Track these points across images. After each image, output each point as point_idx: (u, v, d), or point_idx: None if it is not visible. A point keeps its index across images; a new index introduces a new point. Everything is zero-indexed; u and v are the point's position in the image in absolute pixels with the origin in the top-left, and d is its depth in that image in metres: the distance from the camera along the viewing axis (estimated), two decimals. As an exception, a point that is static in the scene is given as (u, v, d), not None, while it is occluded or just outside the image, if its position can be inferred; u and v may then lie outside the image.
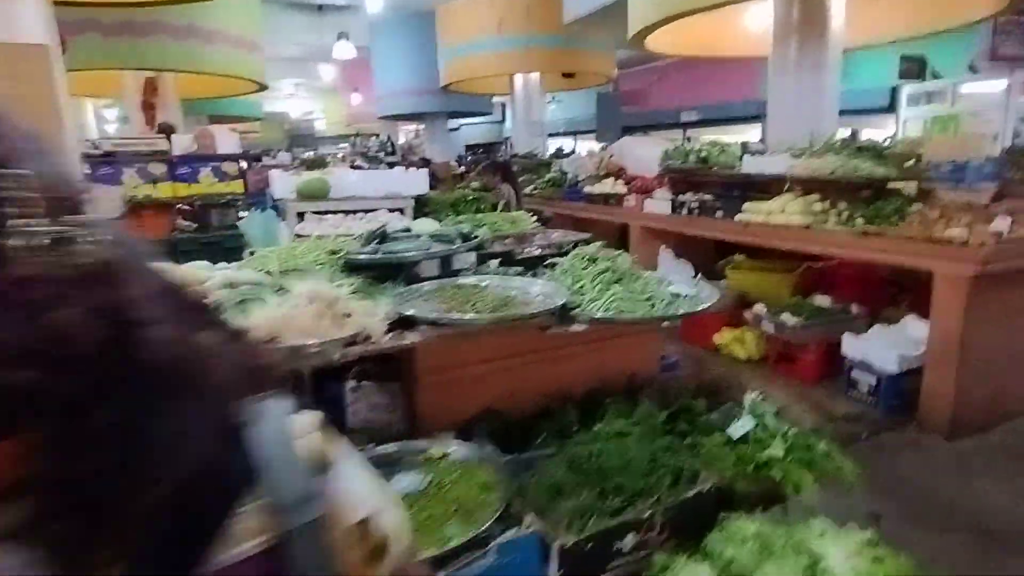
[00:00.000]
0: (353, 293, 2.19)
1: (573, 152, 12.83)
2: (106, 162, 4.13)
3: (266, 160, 11.27)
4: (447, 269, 2.79)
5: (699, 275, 6.47)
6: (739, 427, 2.32)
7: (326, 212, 3.57)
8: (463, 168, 11.06)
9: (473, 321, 2.08)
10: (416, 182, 4.00)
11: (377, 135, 22.31)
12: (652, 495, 1.91)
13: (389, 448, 2.27)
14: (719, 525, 1.85)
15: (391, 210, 3.61)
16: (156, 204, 4.34)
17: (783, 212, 4.81)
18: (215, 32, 8.65)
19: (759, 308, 5.05)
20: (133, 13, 7.68)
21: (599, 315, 2.29)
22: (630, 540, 1.84)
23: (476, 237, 2.88)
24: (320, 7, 14.22)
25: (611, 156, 7.62)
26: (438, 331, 2.09)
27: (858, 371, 4.40)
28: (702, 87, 14.44)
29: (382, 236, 2.90)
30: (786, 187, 4.96)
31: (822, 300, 5.05)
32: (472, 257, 2.85)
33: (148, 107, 8.94)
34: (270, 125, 24.95)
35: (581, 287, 2.48)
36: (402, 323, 2.14)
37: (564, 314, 2.32)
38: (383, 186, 3.90)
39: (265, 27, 9.88)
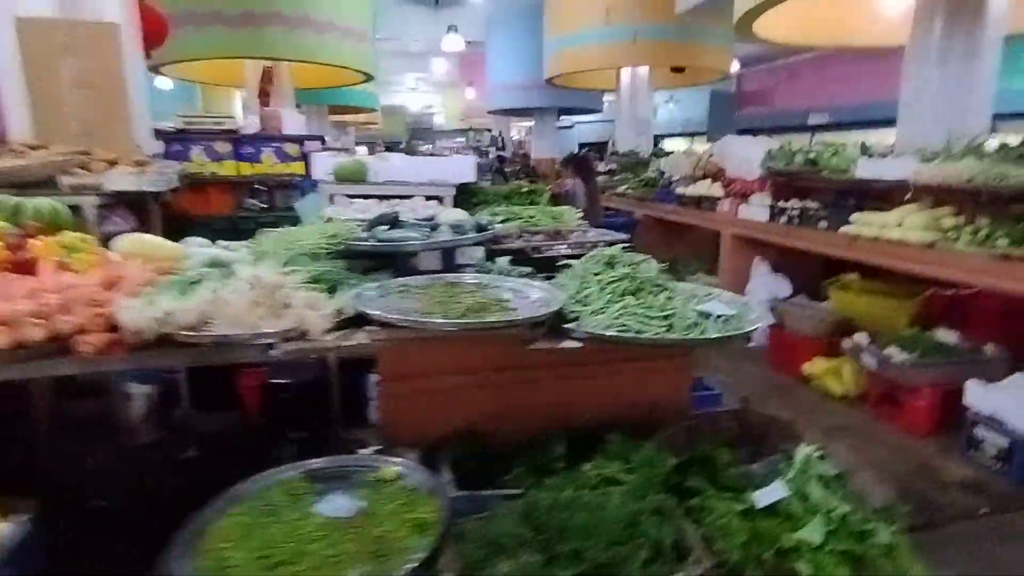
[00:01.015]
0: (315, 282, 1.93)
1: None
2: (177, 139, 4.29)
3: (378, 151, 11.62)
4: (450, 263, 2.48)
5: (800, 293, 5.68)
6: (766, 493, 1.79)
7: (359, 196, 3.39)
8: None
9: (431, 326, 1.75)
10: (461, 170, 3.72)
11: (489, 130, 22.53)
12: (617, 572, 1.47)
13: (342, 461, 1.99)
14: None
15: (429, 198, 3.35)
16: (222, 182, 4.46)
17: (899, 226, 3.98)
18: (327, 23, 8.96)
19: (860, 338, 4.25)
20: (254, 4, 8.13)
21: (598, 332, 1.86)
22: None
23: (490, 230, 2.54)
24: (436, 1, 14.46)
25: (711, 156, 6.90)
26: (394, 333, 1.77)
27: (985, 428, 3.53)
28: (836, 86, 12.96)
29: (393, 222, 2.64)
30: (908, 196, 4.10)
31: (946, 335, 4.14)
32: (479, 252, 2.52)
33: (264, 95, 9.46)
34: (391, 118, 26.04)
35: (587, 296, 2.05)
36: (361, 321, 1.85)
37: (556, 326, 1.92)
38: (424, 173, 3.66)
39: (385, 21, 10.12)
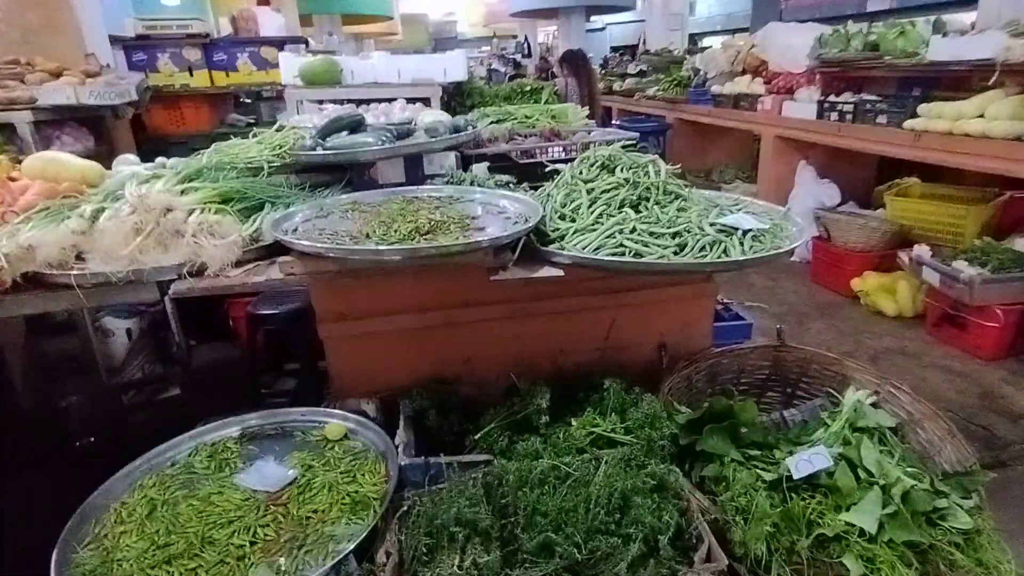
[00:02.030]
0: (225, 202, 1.53)
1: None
2: (139, 47, 3.81)
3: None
4: (415, 173, 2.04)
5: (848, 201, 5.03)
6: (804, 461, 1.38)
7: (330, 101, 2.92)
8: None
9: (362, 254, 1.34)
10: (450, 67, 3.18)
11: (515, 36, 21.05)
12: (595, 570, 1.12)
13: (283, 416, 1.67)
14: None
15: (411, 100, 2.85)
16: (195, 95, 4.00)
17: (981, 117, 3.30)
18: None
19: (920, 250, 3.68)
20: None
21: (584, 255, 1.42)
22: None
23: (465, 132, 2.07)
24: None
25: (752, 47, 6.04)
26: (316, 265, 1.38)
27: (1069, 355, 3.00)
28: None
29: (353, 127, 2.18)
30: (992, 81, 3.37)
31: (1027, 246, 3.53)
32: (449, 159, 2.07)
33: (265, 3, 8.78)
34: (411, 28, 24.49)
35: (575, 209, 1.60)
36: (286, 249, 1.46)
37: (535, 249, 1.49)
38: (407, 72, 3.13)
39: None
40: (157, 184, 1.49)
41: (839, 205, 4.94)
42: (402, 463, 1.41)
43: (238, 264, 1.40)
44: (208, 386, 3.29)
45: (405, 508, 1.30)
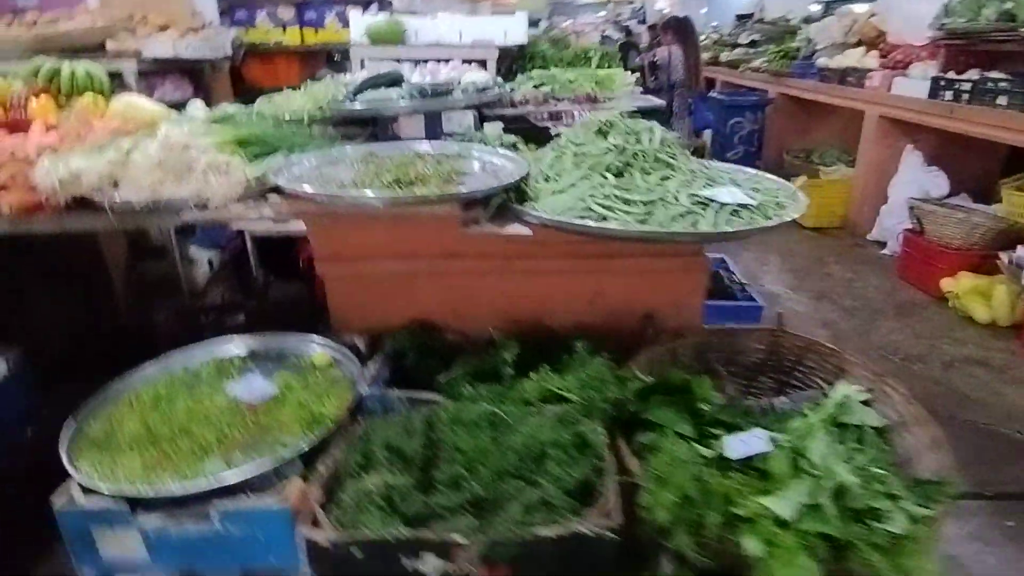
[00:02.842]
0: (242, 145, 1.71)
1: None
2: (240, 5, 4.17)
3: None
4: (435, 130, 2.13)
5: (960, 193, 4.49)
6: (742, 441, 1.36)
7: (389, 59, 3.06)
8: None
9: (343, 199, 1.45)
10: (509, 30, 3.20)
11: (632, 2, 20.26)
12: (493, 512, 1.19)
13: (281, 340, 1.88)
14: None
15: (469, 61, 2.93)
16: (287, 51, 4.32)
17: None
18: None
19: None
20: None
21: (550, 216, 1.46)
22: (432, 564, 1.19)
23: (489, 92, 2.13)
24: None
25: (871, 16, 5.47)
26: (300, 206, 1.52)
27: None
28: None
29: (392, 83, 2.31)
30: None
31: None
32: (468, 118, 2.14)
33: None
34: (530, -9, 24.31)
35: (560, 171, 1.62)
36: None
37: (505, 207, 1.55)
38: (469, 34, 3.20)
39: None
40: (186, 126, 1.69)
41: (947, 197, 4.44)
42: (362, 392, 1.55)
43: (242, 201, 1.58)
44: (276, 318, 3.65)
45: (361, 433, 1.44)
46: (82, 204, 1.61)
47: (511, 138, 1.97)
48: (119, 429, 1.49)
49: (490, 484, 1.23)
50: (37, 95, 2.33)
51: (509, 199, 1.59)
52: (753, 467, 1.35)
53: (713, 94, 7.11)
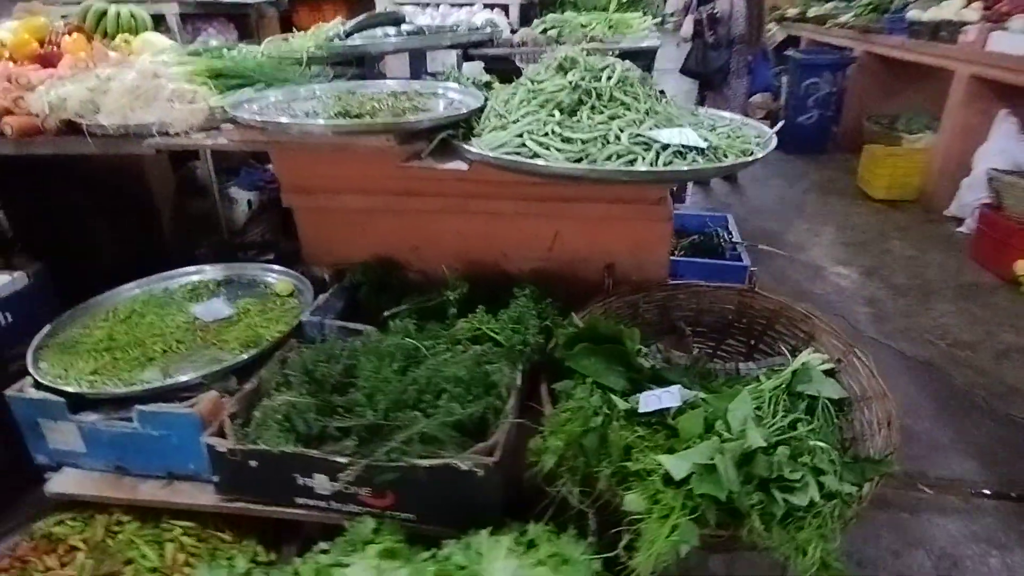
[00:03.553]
0: (219, 77, 1.76)
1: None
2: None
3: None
4: (419, 69, 2.11)
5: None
6: (652, 397, 1.29)
7: (411, 3, 3.03)
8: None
9: (288, 127, 1.46)
10: (537, -28, 3.08)
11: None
12: (374, 440, 1.20)
13: (246, 268, 1.97)
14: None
15: (488, 6, 2.86)
16: (336, -1, 4.40)
17: None
18: None
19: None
20: None
21: (483, 152, 1.41)
22: (322, 483, 1.22)
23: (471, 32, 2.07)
24: None
25: (980, -41, 4.79)
26: (251, 135, 1.55)
27: None
28: None
29: (392, 23, 2.30)
30: None
31: None
32: (451, 58, 2.09)
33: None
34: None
35: (510, 108, 1.56)
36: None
37: (448, 143, 1.51)
38: (496, -25, 3.10)
39: None
40: (165, 57, 1.76)
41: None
42: (303, 319, 1.60)
43: (204, 129, 1.64)
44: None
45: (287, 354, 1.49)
46: (73, 129, 1.73)
47: (486, 77, 1.91)
48: (88, 336, 1.62)
49: (385, 412, 1.24)
50: (71, 33, 2.49)
51: (456, 135, 1.55)
52: (669, 425, 1.29)
53: (790, 52, 6.55)
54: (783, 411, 1.39)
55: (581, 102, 1.51)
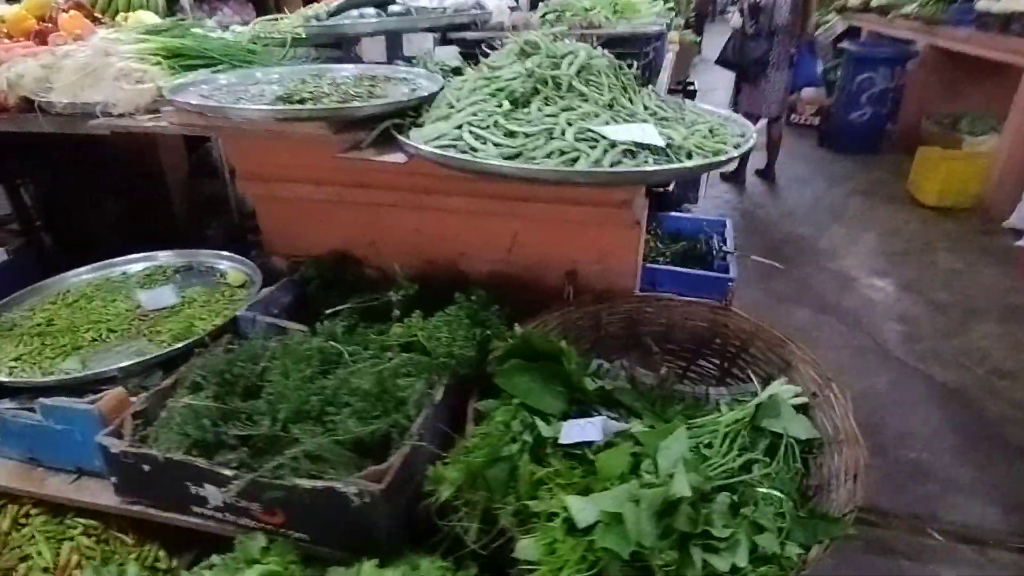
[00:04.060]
0: (174, 57, 1.69)
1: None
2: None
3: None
4: (395, 52, 2.00)
5: None
6: (576, 427, 1.15)
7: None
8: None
9: (224, 112, 1.38)
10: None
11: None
12: (283, 445, 1.11)
13: (213, 259, 1.91)
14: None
15: (499, -13, 2.72)
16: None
17: None
18: None
19: None
20: None
21: (416, 144, 1.29)
22: (213, 494, 1.14)
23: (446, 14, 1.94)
24: None
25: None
26: (190, 119, 1.47)
27: None
28: None
29: (380, 5, 2.19)
30: None
31: None
32: (428, 42, 1.97)
33: None
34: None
35: (461, 96, 1.43)
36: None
37: (387, 134, 1.40)
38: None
39: None
40: (122, 35, 1.70)
41: None
42: (238, 314, 1.52)
43: (151, 111, 1.57)
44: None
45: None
46: (30, 106, 1.70)
47: (455, 63, 1.78)
48: (29, 319, 1.60)
49: (285, 423, 1.15)
50: (68, 10, 2.49)
51: (404, 125, 1.43)
52: (592, 461, 1.15)
53: (844, 44, 6.09)
54: (739, 449, 1.24)
55: (536, 92, 1.37)
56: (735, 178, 5.13)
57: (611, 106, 1.34)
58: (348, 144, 1.40)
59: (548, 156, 1.21)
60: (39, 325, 1.55)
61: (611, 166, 1.18)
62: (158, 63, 1.65)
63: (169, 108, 1.50)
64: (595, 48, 1.48)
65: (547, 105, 1.33)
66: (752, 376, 1.51)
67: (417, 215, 1.67)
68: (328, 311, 1.58)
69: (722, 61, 4.76)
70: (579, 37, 1.90)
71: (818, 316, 3.18)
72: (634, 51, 1.85)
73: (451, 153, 1.24)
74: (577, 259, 1.59)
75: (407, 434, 1.15)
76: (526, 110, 1.34)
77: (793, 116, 6.78)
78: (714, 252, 2.12)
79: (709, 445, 1.23)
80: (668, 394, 1.50)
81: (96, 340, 1.49)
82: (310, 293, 1.70)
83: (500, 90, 1.38)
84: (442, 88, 1.50)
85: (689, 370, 1.63)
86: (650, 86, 1.58)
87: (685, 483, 1.02)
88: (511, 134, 1.27)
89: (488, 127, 1.29)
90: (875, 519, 2.06)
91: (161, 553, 1.28)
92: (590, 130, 1.24)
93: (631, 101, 1.44)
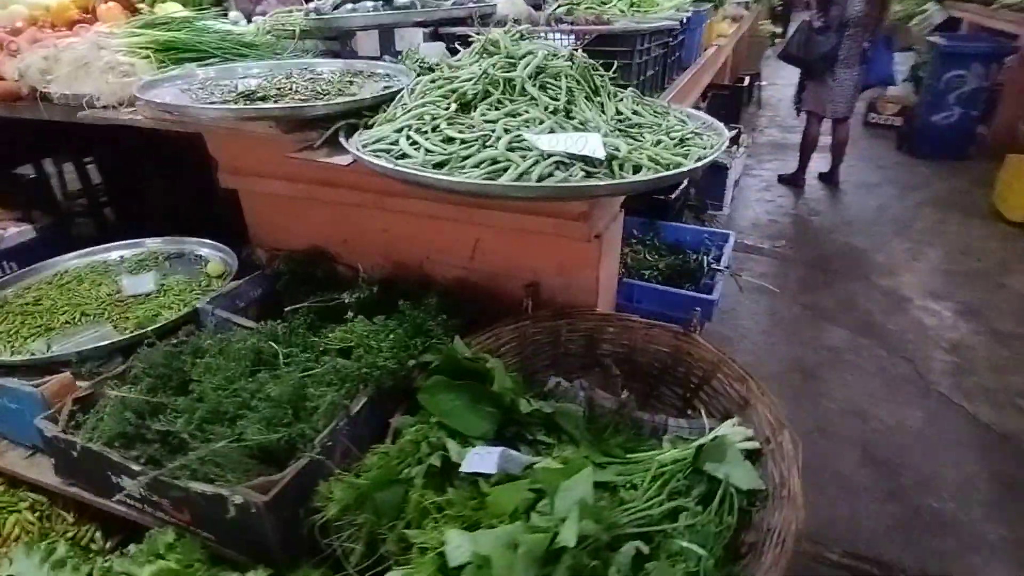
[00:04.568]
0: (166, 50, 1.74)
1: None
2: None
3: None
4: (388, 47, 1.97)
5: None
6: (476, 456, 1.08)
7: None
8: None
9: (189, 110, 1.40)
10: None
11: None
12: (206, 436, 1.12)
13: (198, 246, 1.96)
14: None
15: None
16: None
17: None
18: None
19: None
20: None
21: (353, 148, 1.26)
22: (130, 485, 1.17)
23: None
24: None
25: None
26: (160, 113, 1.50)
27: None
28: None
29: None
30: None
31: None
32: (418, 37, 1.93)
33: None
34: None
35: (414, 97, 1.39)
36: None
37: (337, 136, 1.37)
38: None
39: None
40: (120, 28, 1.77)
41: None
42: (197, 306, 1.55)
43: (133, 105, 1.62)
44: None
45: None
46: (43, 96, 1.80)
47: (434, 59, 1.72)
48: (20, 298, 1.70)
49: (200, 423, 1.16)
50: (107, 1, 2.63)
51: (359, 125, 1.40)
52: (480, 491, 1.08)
53: (935, 38, 5.52)
54: (670, 494, 1.14)
55: (488, 94, 1.30)
56: (794, 181, 4.80)
57: (568, 112, 1.26)
58: (300, 144, 1.39)
59: (478, 166, 1.14)
60: (26, 304, 1.64)
61: (541, 179, 1.10)
62: (147, 56, 1.70)
63: (142, 102, 1.54)
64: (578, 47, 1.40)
65: (494, 109, 1.26)
66: (711, 411, 1.39)
67: (385, 216, 1.64)
68: (287, 308, 1.59)
69: (785, 56, 4.43)
70: (570, 34, 1.82)
71: (856, 338, 2.91)
72: (626, 49, 1.73)
73: (377, 160, 1.19)
74: (538, 271, 1.52)
75: (309, 445, 1.13)
76: (472, 114, 1.28)
77: (872, 115, 6.26)
78: (695, 267, 1.97)
79: (635, 487, 1.14)
80: (626, 421, 1.41)
81: (69, 323, 1.57)
82: (279, 288, 1.72)
83: (452, 92, 1.33)
84: (403, 89, 1.46)
85: (652, 396, 1.52)
86: (630, 89, 1.47)
87: (573, 531, 0.94)
88: (450, 140, 1.21)
89: (427, 132, 1.24)
90: (876, 571, 1.87)
91: (98, 534, 1.33)
92: (524, 138, 1.16)
93: (602, 106, 1.35)
